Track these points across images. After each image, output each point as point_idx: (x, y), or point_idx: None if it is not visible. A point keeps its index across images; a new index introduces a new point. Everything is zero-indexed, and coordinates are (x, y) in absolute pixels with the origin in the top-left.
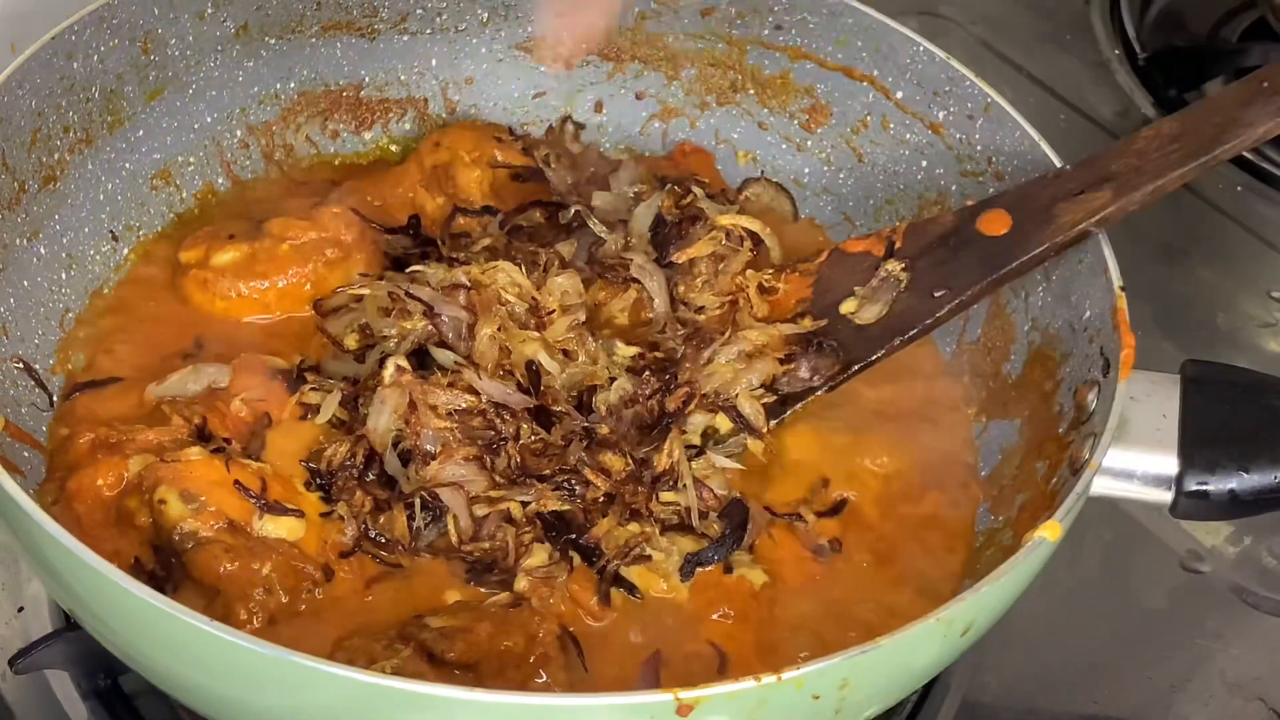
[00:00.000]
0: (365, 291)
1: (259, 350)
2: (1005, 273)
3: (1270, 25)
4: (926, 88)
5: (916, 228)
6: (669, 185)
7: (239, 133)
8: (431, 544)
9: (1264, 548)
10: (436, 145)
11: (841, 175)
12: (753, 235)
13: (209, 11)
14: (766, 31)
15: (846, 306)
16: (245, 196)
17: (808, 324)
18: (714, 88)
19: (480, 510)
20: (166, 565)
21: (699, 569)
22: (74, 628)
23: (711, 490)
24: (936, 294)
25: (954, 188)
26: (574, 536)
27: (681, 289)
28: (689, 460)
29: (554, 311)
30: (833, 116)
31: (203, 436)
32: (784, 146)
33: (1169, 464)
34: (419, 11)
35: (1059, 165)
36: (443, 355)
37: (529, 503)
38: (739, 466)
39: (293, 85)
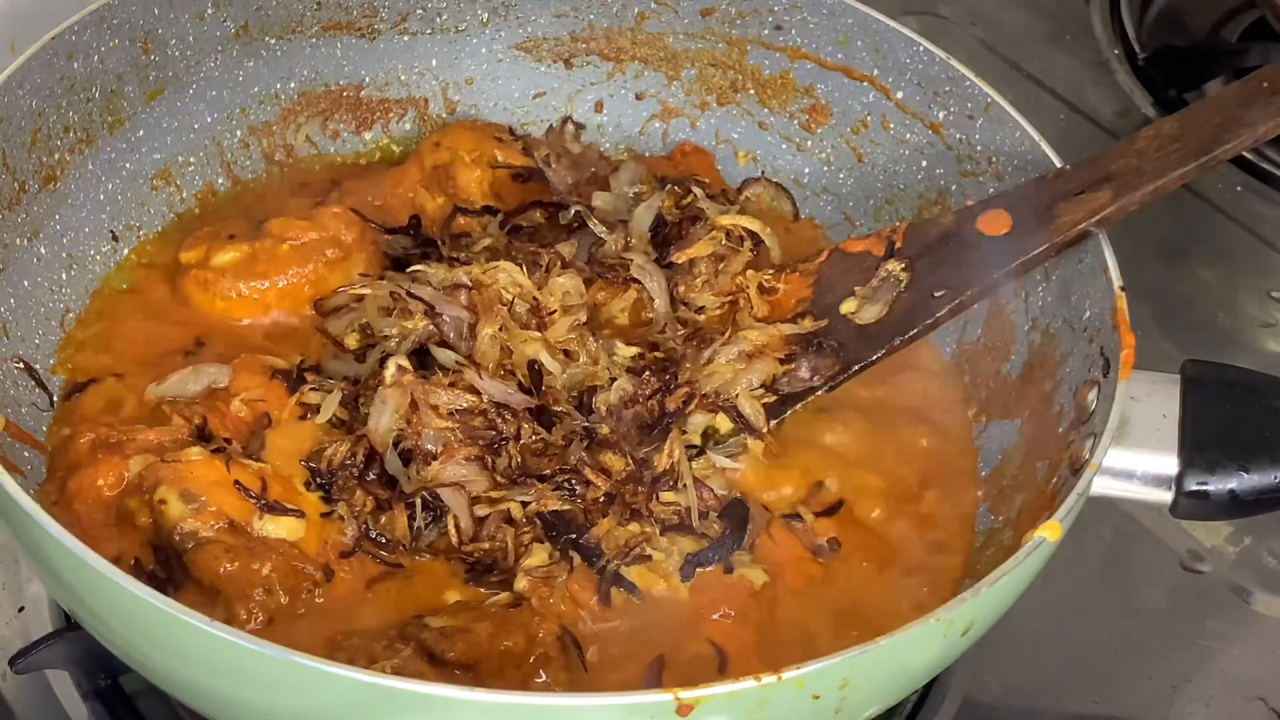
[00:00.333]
0: (366, 291)
1: (259, 350)
2: (1005, 273)
3: (1270, 25)
4: (926, 88)
5: (916, 228)
6: (669, 185)
7: (239, 133)
8: (432, 544)
9: (1264, 548)
10: (437, 145)
11: (841, 175)
12: (753, 235)
13: (209, 11)
14: (766, 31)
15: (846, 306)
16: (245, 196)
17: (808, 324)
18: (714, 88)
19: (481, 511)
20: (167, 565)
21: (699, 569)
22: (74, 628)
23: (712, 490)
24: (936, 294)
25: (954, 188)
26: (574, 536)
27: (682, 289)
28: (689, 460)
29: (555, 312)
30: (833, 116)
31: (203, 436)
32: (784, 146)
33: (1169, 464)
34: (419, 12)
35: (1059, 165)
36: (444, 355)
37: (529, 503)
38: (739, 466)
39: (293, 85)
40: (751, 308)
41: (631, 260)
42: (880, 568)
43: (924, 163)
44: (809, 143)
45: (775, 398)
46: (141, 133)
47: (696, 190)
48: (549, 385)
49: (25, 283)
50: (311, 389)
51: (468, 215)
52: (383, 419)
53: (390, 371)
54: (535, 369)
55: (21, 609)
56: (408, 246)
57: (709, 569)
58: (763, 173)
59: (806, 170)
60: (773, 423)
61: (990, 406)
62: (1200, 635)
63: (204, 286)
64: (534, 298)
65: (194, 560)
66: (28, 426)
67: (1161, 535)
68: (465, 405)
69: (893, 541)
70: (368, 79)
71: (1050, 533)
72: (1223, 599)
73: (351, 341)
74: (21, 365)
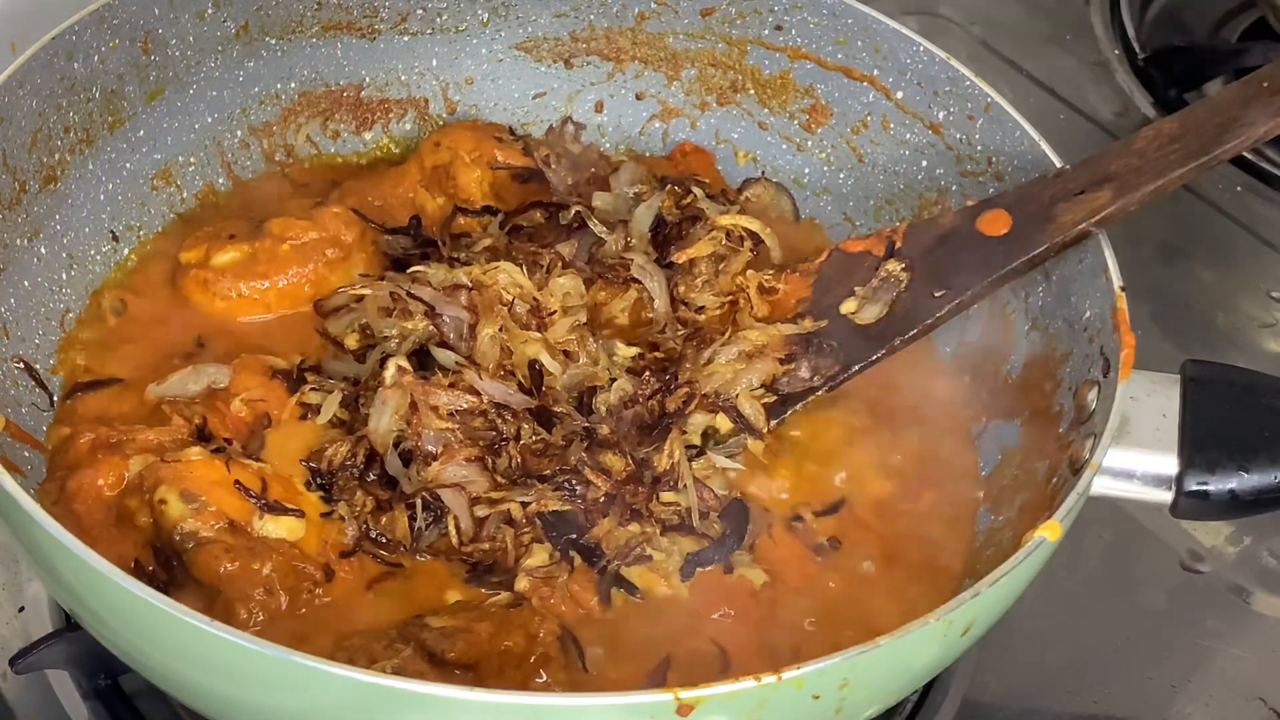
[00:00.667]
0: (366, 292)
1: (259, 350)
2: (1005, 273)
3: (1270, 25)
4: (926, 88)
5: (916, 228)
6: (669, 185)
7: (240, 133)
8: (432, 545)
9: (1264, 548)
10: (437, 145)
11: (841, 175)
12: (753, 235)
13: (209, 11)
14: (766, 31)
15: (847, 306)
16: (246, 196)
17: (808, 324)
18: (714, 88)
19: (481, 511)
20: (167, 565)
21: (699, 569)
22: (74, 628)
23: (712, 490)
24: (936, 294)
25: (954, 188)
26: (574, 537)
27: (682, 289)
28: (689, 460)
29: (555, 312)
30: (833, 116)
31: (203, 436)
32: (784, 146)
33: (1169, 464)
34: (419, 12)
35: (1059, 165)
36: (444, 355)
37: (529, 503)
38: (739, 466)
39: (293, 85)
40: (751, 308)
41: (632, 260)
42: (880, 568)
43: (924, 163)
44: (809, 143)
45: (775, 398)
46: (142, 133)
47: (696, 190)
48: (549, 386)
49: (25, 283)
50: (312, 389)
51: (468, 215)
52: (383, 420)
53: (390, 372)
54: (536, 369)
55: (21, 609)
56: (408, 246)
57: (709, 569)
58: (763, 173)
59: (806, 170)
60: (773, 423)
61: (990, 406)
62: (1200, 635)
63: (204, 286)
64: (534, 298)
65: (194, 560)
66: (28, 426)
67: (1161, 535)
68: (465, 406)
69: (893, 541)
70: (368, 79)
71: (1050, 533)
72: (1223, 599)
73: (351, 342)
74: (21, 365)
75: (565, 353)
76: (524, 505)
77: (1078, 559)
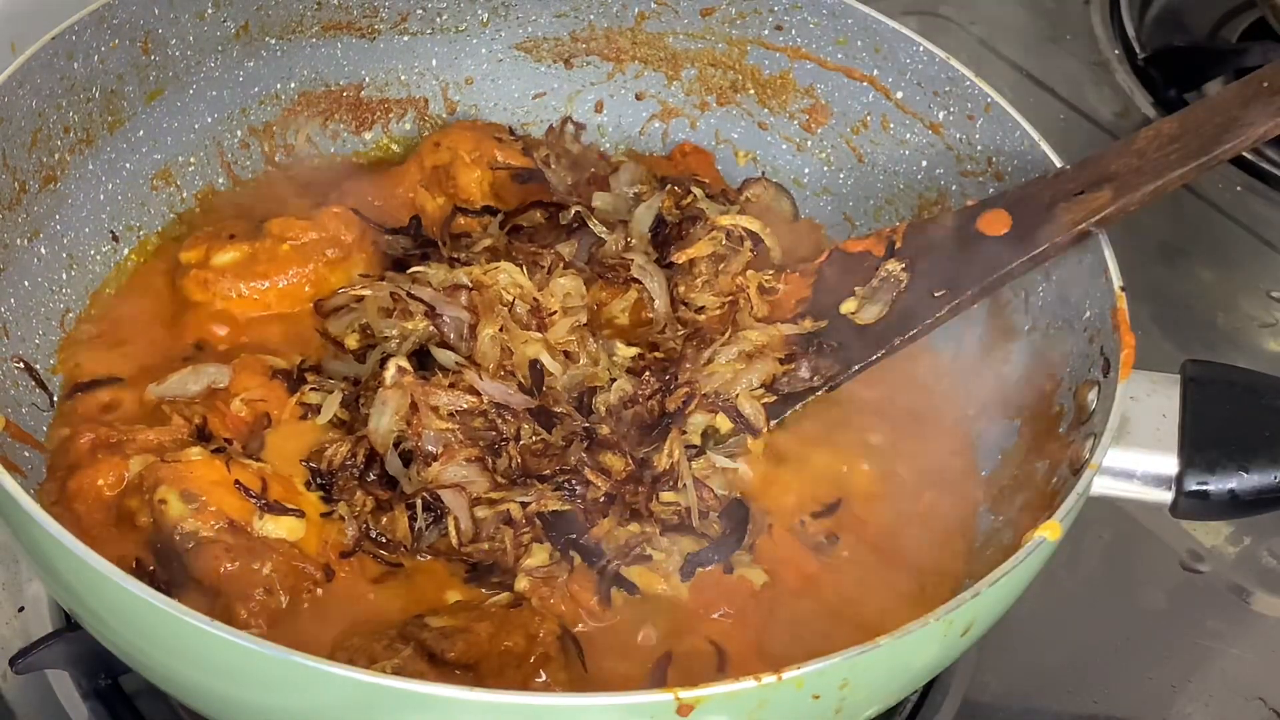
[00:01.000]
0: (366, 292)
1: (259, 350)
2: (1005, 273)
3: (1270, 25)
4: (926, 88)
5: (916, 228)
6: (669, 185)
7: (239, 133)
8: (433, 545)
9: (1264, 548)
10: (437, 145)
11: (841, 175)
12: (753, 235)
13: (209, 11)
14: (766, 31)
15: (846, 306)
16: (246, 196)
17: (808, 324)
18: (714, 88)
19: (481, 511)
20: (167, 565)
21: (699, 569)
22: (74, 628)
23: (712, 490)
24: (936, 294)
25: (954, 188)
26: (574, 536)
27: (682, 289)
28: (689, 460)
29: (555, 312)
30: (833, 116)
31: (203, 436)
32: (784, 146)
33: (1169, 464)
34: (419, 12)
35: (1059, 165)
36: (444, 356)
37: (529, 503)
38: (739, 467)
39: (293, 85)
40: (751, 308)
41: (632, 260)
42: (880, 568)
43: (924, 163)
44: (809, 143)
45: (775, 398)
46: (142, 133)
47: (696, 190)
48: (549, 386)
49: (25, 283)
50: (312, 389)
51: (468, 215)
52: (383, 420)
53: (390, 372)
54: (536, 370)
55: (21, 609)
56: (408, 247)
57: (709, 569)
58: (763, 173)
59: (806, 170)
60: (773, 423)
61: (990, 406)
62: (1200, 635)
63: (204, 286)
64: (534, 298)
65: (194, 560)
66: (28, 426)
67: (1161, 535)
68: (465, 406)
69: (892, 541)
70: (368, 79)
71: (1050, 533)
72: (1223, 599)
73: (351, 342)
74: (21, 365)
75: (565, 353)
76: (524, 505)
77: (1078, 559)
